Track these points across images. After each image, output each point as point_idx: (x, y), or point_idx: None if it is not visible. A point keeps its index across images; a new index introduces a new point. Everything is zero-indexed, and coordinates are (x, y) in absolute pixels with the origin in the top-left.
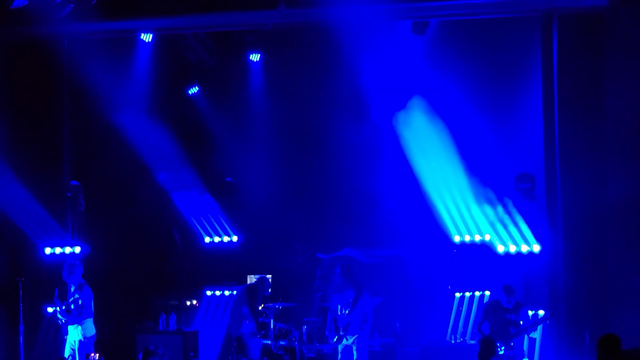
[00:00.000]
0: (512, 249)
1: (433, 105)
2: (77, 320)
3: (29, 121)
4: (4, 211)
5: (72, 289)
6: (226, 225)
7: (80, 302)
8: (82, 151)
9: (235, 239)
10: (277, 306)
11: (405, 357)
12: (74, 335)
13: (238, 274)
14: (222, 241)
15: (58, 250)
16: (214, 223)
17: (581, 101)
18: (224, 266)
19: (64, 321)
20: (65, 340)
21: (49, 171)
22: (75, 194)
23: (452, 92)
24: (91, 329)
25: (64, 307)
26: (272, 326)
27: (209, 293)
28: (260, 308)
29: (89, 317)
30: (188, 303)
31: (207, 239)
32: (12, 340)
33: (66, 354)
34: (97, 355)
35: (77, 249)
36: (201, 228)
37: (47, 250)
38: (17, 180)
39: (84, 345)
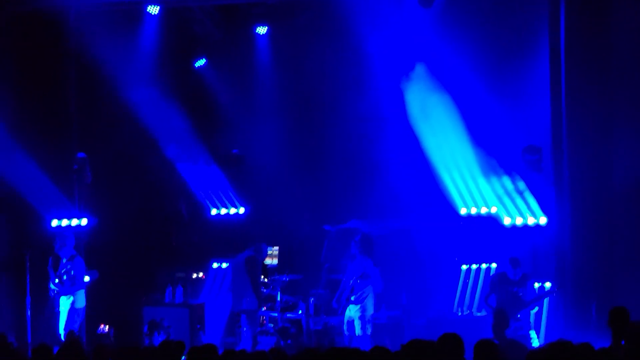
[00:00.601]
0: (519, 221)
1: (440, 78)
2: (70, 291)
3: (36, 93)
4: (11, 183)
5: (64, 261)
6: (233, 197)
7: (72, 273)
8: (89, 123)
9: (242, 210)
10: (283, 278)
11: (412, 329)
12: (65, 305)
13: (245, 246)
14: (228, 213)
15: (65, 222)
16: (221, 195)
17: (589, 72)
18: (230, 238)
19: (56, 292)
20: (58, 313)
21: (55, 143)
22: (82, 166)
23: (458, 63)
24: (82, 301)
25: (57, 280)
26: (278, 298)
27: (215, 265)
28: (263, 278)
29: (81, 289)
30: (194, 275)
31: (214, 211)
32: (20, 312)
33: (61, 327)
34: (107, 327)
35: (84, 221)
36: (208, 200)
37: (54, 222)
38: (24, 152)
39: (72, 316)
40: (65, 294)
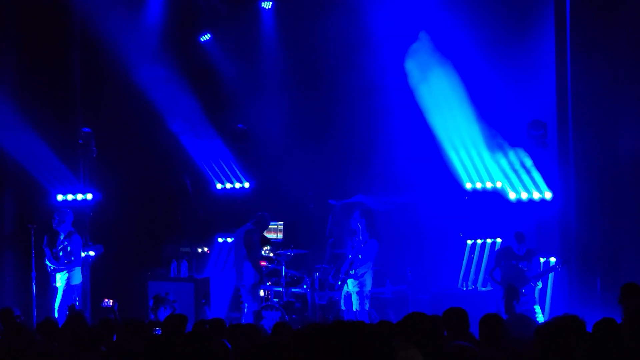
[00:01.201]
0: (524, 196)
1: (445, 52)
2: (66, 267)
3: (41, 68)
4: (15, 158)
5: (62, 237)
6: (238, 172)
7: (69, 249)
8: (94, 98)
9: (247, 185)
10: (288, 253)
11: (416, 304)
12: (61, 281)
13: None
14: (233, 187)
15: (70, 197)
16: (226, 169)
17: (595, 46)
18: (235, 213)
19: (52, 268)
20: (56, 289)
21: (60, 118)
22: (87, 140)
23: (463, 37)
24: (78, 277)
25: (52, 256)
26: (283, 273)
27: (220, 240)
28: (266, 251)
29: (77, 266)
30: (199, 250)
31: (219, 186)
32: (25, 287)
33: (57, 303)
34: (111, 301)
35: (89, 196)
36: (213, 174)
37: (59, 197)
38: (29, 127)
39: (68, 293)
40: (60, 271)
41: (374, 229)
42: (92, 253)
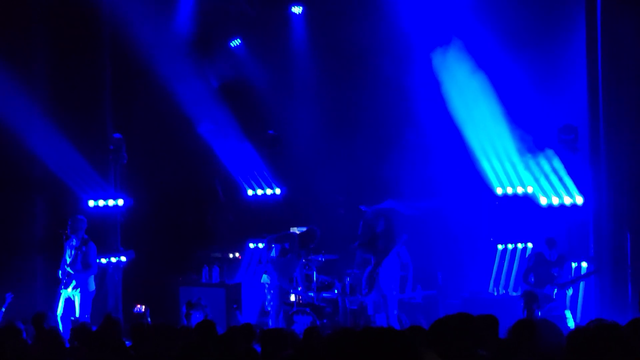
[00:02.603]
0: (555, 201)
1: (476, 56)
2: (83, 275)
3: (72, 74)
4: (47, 164)
5: (74, 242)
6: (269, 178)
7: (86, 257)
8: (125, 104)
9: (278, 191)
10: (319, 258)
11: (447, 309)
12: (79, 288)
13: (281, 227)
14: (265, 194)
15: (101, 202)
16: (257, 175)
17: (626, 51)
18: (266, 219)
19: (71, 273)
20: (59, 295)
21: (91, 124)
22: (118, 146)
23: (494, 41)
24: (92, 284)
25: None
26: (314, 278)
27: (251, 246)
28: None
29: (93, 273)
30: (231, 256)
31: (250, 192)
32: (54, 292)
33: (60, 311)
34: (143, 307)
35: (120, 202)
36: (244, 180)
37: (90, 203)
38: (60, 133)
39: (86, 300)
40: (77, 278)
41: (393, 235)
42: (123, 259)
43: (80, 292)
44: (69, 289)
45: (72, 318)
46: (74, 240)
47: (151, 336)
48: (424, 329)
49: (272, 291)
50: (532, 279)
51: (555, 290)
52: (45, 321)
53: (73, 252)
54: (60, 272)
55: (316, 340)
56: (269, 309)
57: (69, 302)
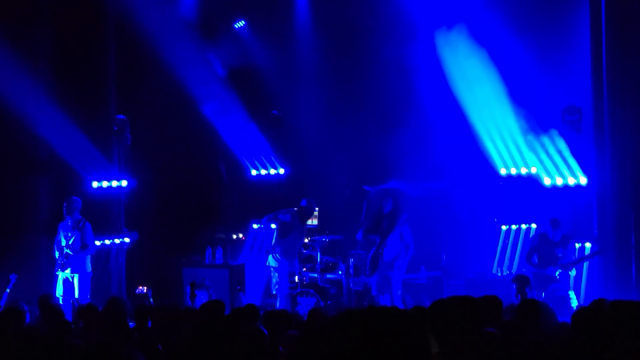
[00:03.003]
0: (559, 181)
1: (479, 37)
2: (81, 255)
3: (75, 55)
4: (51, 145)
5: (70, 223)
6: (273, 158)
7: (84, 237)
8: (129, 85)
9: (282, 171)
10: (324, 239)
11: (451, 290)
12: (75, 269)
13: (285, 207)
14: (268, 174)
15: (105, 183)
16: (261, 156)
17: (630, 31)
18: (270, 199)
19: (69, 255)
20: (56, 277)
21: (95, 105)
22: (122, 127)
23: (498, 23)
24: (89, 265)
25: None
26: (318, 259)
27: (255, 226)
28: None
29: (91, 253)
30: (234, 236)
31: (254, 172)
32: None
33: (59, 292)
34: (145, 288)
35: (124, 183)
36: (248, 161)
37: (94, 184)
38: (64, 114)
39: (85, 280)
40: (77, 259)
41: (398, 214)
42: (127, 240)
43: (78, 273)
44: (67, 270)
45: (72, 300)
46: (69, 221)
47: (155, 317)
48: (427, 309)
49: (277, 274)
50: (536, 260)
51: (559, 271)
52: (52, 302)
53: (70, 234)
54: (57, 253)
55: (320, 321)
56: (275, 292)
57: (67, 283)
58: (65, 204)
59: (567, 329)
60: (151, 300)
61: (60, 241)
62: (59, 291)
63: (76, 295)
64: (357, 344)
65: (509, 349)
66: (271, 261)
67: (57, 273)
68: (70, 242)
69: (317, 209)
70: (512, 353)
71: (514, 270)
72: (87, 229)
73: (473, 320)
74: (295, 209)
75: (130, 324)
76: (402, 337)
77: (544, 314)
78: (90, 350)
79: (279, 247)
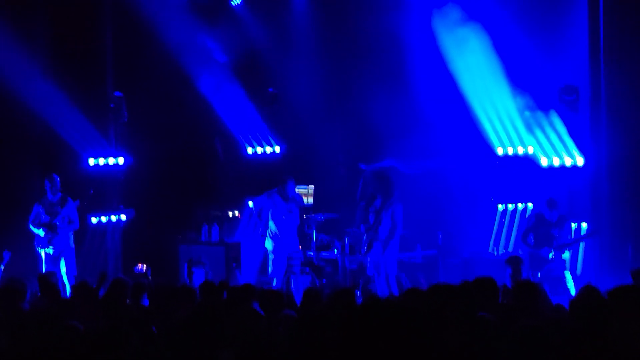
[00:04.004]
0: (556, 161)
1: (476, 16)
2: (67, 230)
3: (72, 32)
4: (48, 122)
5: (54, 200)
6: (269, 136)
7: (68, 213)
8: (125, 62)
9: (277, 149)
10: (319, 217)
11: (447, 269)
12: (62, 245)
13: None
14: (264, 152)
15: (101, 160)
16: (257, 133)
17: (627, 11)
18: (266, 177)
19: (54, 231)
20: (39, 254)
21: (92, 82)
22: (118, 104)
23: (494, 2)
24: (72, 241)
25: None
26: (314, 238)
27: (251, 204)
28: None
29: (76, 228)
30: (230, 214)
31: (250, 150)
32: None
33: (46, 268)
34: (144, 266)
35: (120, 160)
36: (244, 138)
37: (91, 161)
38: (61, 91)
39: (70, 257)
40: (63, 236)
41: (391, 193)
42: (123, 217)
43: (64, 249)
44: (50, 247)
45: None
46: (52, 198)
47: (152, 295)
48: (422, 291)
49: (273, 256)
50: (532, 240)
51: (552, 253)
52: (52, 280)
53: (59, 210)
54: (40, 230)
55: (315, 300)
56: (271, 274)
57: (50, 260)
58: (48, 182)
59: (563, 311)
60: (150, 278)
61: (38, 218)
62: (46, 268)
63: (64, 272)
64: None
65: (505, 332)
66: (268, 244)
67: (39, 249)
68: (59, 218)
69: (311, 186)
70: (509, 336)
71: (510, 250)
72: (72, 205)
73: (468, 305)
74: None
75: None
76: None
77: (541, 296)
78: (97, 336)
79: (272, 227)
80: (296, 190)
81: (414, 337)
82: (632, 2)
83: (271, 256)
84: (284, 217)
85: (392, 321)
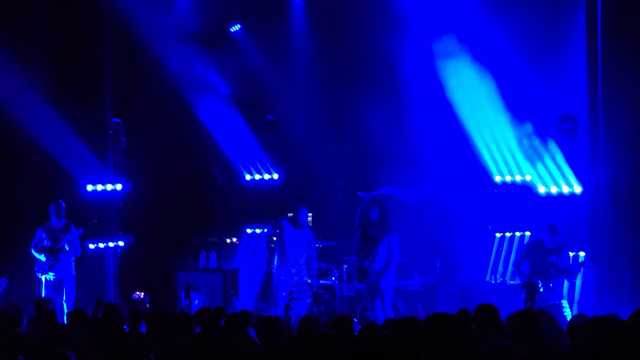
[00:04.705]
0: (554, 190)
1: (475, 45)
2: (69, 258)
3: (71, 58)
4: (46, 148)
5: (57, 226)
6: (267, 163)
7: (72, 239)
8: (124, 88)
9: (276, 176)
10: (317, 245)
11: (445, 297)
12: (63, 271)
13: (278, 212)
14: (262, 178)
15: (99, 187)
16: (255, 160)
17: (626, 40)
18: (264, 204)
19: (56, 257)
20: (40, 280)
21: (90, 108)
22: (117, 131)
23: (493, 31)
24: (73, 268)
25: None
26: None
27: (249, 231)
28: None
29: (77, 255)
30: (228, 241)
31: (248, 177)
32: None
33: (44, 293)
34: (142, 293)
35: (118, 186)
36: (242, 165)
37: (89, 187)
38: (59, 117)
39: (71, 284)
40: (65, 262)
41: (388, 221)
42: (121, 243)
43: (65, 276)
44: (51, 273)
45: (60, 303)
46: (56, 224)
47: (149, 322)
48: (419, 321)
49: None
50: (527, 269)
51: (540, 283)
52: (48, 307)
53: (62, 236)
54: (42, 256)
55: (313, 327)
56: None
57: (53, 286)
58: (54, 208)
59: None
60: (147, 305)
61: (40, 243)
62: (46, 294)
63: (64, 299)
64: None
65: None
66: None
67: (40, 276)
68: (62, 245)
69: (310, 214)
70: None
71: (507, 278)
72: (75, 233)
73: (467, 335)
74: (290, 214)
75: (125, 327)
76: None
77: (543, 326)
78: None
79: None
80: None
81: None
82: (630, 31)
83: (276, 283)
84: (292, 243)
85: (389, 352)
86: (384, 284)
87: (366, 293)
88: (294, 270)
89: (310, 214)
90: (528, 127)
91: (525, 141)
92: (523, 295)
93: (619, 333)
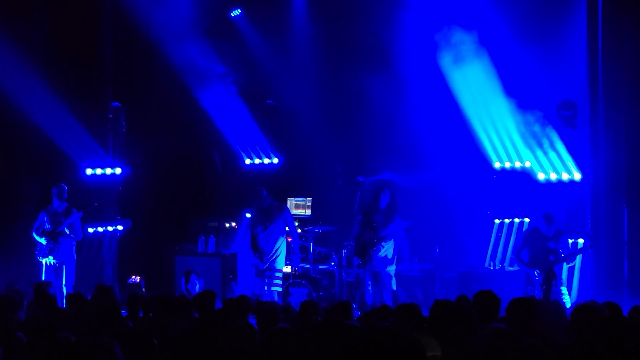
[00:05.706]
0: (553, 176)
1: (474, 32)
2: (70, 241)
3: (71, 43)
4: (46, 132)
5: (59, 209)
6: (267, 147)
7: (74, 223)
8: (124, 73)
9: (275, 161)
10: (316, 230)
11: (444, 283)
12: (63, 255)
13: (278, 197)
14: (262, 163)
15: (99, 171)
16: (255, 145)
17: (626, 27)
18: (264, 188)
19: (57, 240)
20: (42, 264)
21: (90, 93)
22: (117, 115)
23: (494, 17)
24: (74, 252)
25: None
26: (311, 250)
27: (248, 215)
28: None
29: (79, 239)
30: (227, 225)
31: (248, 161)
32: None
33: (44, 277)
34: (138, 277)
35: (118, 170)
36: (242, 150)
37: (88, 171)
38: (60, 101)
39: (71, 268)
40: (66, 246)
41: (397, 207)
42: (120, 227)
43: (66, 260)
44: (50, 257)
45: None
46: (58, 207)
47: (147, 307)
48: (415, 308)
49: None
50: (526, 256)
51: (537, 272)
52: (47, 290)
53: (63, 219)
54: (42, 239)
55: (312, 313)
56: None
57: (53, 270)
58: (56, 190)
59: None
60: (143, 289)
61: (42, 226)
62: (46, 277)
63: (64, 283)
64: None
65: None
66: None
67: (40, 259)
68: (62, 228)
69: (309, 199)
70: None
71: (506, 264)
72: (77, 216)
73: (470, 321)
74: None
75: (123, 312)
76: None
77: (543, 313)
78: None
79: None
80: (292, 202)
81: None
82: (630, 18)
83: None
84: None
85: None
86: (391, 271)
87: (369, 280)
88: (264, 259)
89: (309, 198)
90: (534, 114)
91: (524, 130)
92: (540, 280)
93: (597, 320)
